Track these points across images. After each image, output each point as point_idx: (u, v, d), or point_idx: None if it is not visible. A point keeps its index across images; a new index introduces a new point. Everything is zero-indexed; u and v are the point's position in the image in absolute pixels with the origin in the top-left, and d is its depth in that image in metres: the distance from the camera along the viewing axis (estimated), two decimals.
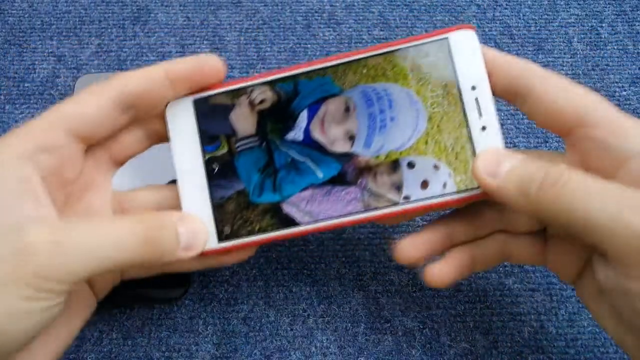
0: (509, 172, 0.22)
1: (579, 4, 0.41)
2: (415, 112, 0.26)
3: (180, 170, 0.26)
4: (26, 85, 0.39)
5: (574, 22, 0.41)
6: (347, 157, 0.26)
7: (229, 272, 0.33)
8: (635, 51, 0.39)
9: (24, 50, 0.40)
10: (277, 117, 0.27)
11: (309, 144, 0.26)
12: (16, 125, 0.38)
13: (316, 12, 0.41)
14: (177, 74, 0.25)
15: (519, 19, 0.41)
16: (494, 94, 0.25)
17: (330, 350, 0.31)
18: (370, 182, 0.26)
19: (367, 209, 0.25)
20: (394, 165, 0.25)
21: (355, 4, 0.41)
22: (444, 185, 0.25)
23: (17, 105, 0.38)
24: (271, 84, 0.27)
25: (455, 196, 0.25)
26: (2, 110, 0.38)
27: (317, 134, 0.26)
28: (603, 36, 0.40)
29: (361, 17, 0.41)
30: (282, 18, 0.41)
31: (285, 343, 0.31)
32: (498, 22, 0.41)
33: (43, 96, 0.39)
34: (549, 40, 0.40)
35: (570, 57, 0.39)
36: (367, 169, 0.26)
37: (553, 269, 0.26)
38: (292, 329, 0.32)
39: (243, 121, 0.27)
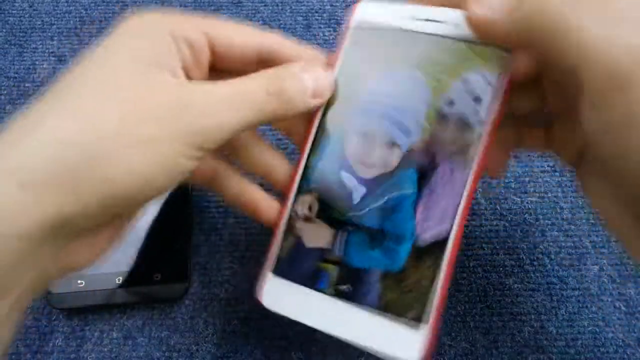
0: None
1: None
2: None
3: None
4: (27, 85, 0.39)
5: None
6: (409, 157, 0.24)
7: (229, 272, 0.33)
8: None
9: (25, 50, 0.40)
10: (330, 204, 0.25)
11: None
12: None
13: (316, 12, 0.41)
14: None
15: None
16: None
17: (330, 350, 0.31)
18: (442, 144, 0.24)
19: (470, 163, 0.23)
20: (442, 117, 0.24)
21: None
22: (489, 83, 0.23)
23: (17, 105, 0.38)
24: (300, 187, 0.25)
25: (504, 77, 0.23)
26: (3, 110, 0.38)
27: (367, 172, 0.25)
28: None
29: None
30: (283, 18, 0.41)
31: (285, 343, 0.31)
32: None
33: None
34: None
35: None
36: (427, 145, 0.24)
37: (557, 150, 0.26)
38: (292, 329, 0.32)
39: (317, 239, 0.25)
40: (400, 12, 0.25)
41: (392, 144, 0.24)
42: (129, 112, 0.20)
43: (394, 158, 0.24)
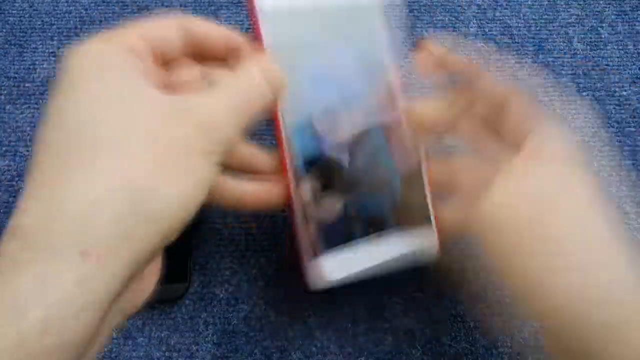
0: None
1: (579, 4, 0.41)
2: None
3: None
4: (27, 85, 0.39)
5: (574, 22, 0.41)
6: (368, 113, 0.28)
7: (229, 272, 0.33)
8: (636, 51, 0.39)
9: (25, 50, 0.40)
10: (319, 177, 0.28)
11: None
12: (17, 126, 0.38)
13: None
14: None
15: (519, 19, 0.41)
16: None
17: (330, 350, 0.31)
18: (387, 94, 0.29)
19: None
20: (375, 73, 0.29)
21: None
22: None
23: (17, 105, 0.38)
24: (296, 178, 0.27)
25: None
26: (3, 110, 0.38)
27: (342, 138, 0.28)
28: (603, 36, 0.40)
29: None
30: None
31: (285, 343, 0.31)
32: (498, 22, 0.41)
33: (43, 96, 0.39)
34: (549, 40, 0.40)
35: (571, 57, 0.39)
36: (377, 99, 0.29)
37: None
38: (292, 329, 0.32)
39: (332, 211, 0.28)
40: None
41: (351, 108, 0.28)
42: (153, 145, 0.19)
43: (358, 118, 0.28)
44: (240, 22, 0.41)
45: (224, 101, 0.22)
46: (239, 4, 0.41)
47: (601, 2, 0.41)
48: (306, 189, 0.27)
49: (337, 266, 0.27)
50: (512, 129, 0.26)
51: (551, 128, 0.25)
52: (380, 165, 0.29)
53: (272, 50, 0.26)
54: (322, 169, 0.28)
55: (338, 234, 0.28)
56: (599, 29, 0.40)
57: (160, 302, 0.32)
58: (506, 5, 0.41)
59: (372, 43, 0.29)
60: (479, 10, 0.41)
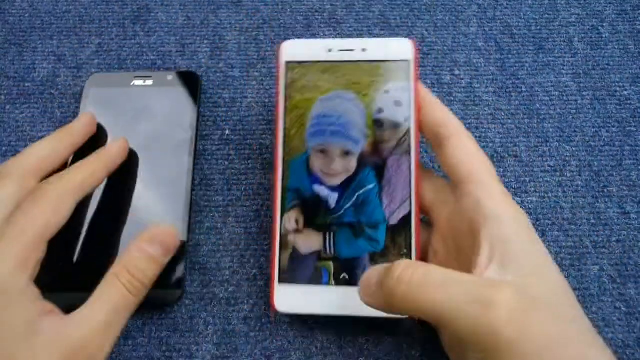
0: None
1: (579, 3, 0.41)
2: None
3: None
4: (26, 84, 0.39)
5: (574, 22, 0.41)
6: (363, 160, 0.30)
7: (229, 272, 0.33)
8: (636, 51, 0.39)
9: (24, 50, 0.40)
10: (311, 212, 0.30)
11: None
12: (16, 125, 0.38)
13: (317, 11, 0.41)
14: None
15: (520, 18, 0.41)
16: (420, 130, 0.31)
17: (330, 350, 0.31)
18: (385, 143, 0.30)
19: (409, 150, 0.30)
20: (378, 123, 0.31)
21: (356, 3, 0.41)
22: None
23: (17, 105, 0.38)
24: (283, 207, 0.30)
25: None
26: (3, 109, 0.38)
27: (334, 180, 0.30)
28: (604, 36, 0.40)
29: (362, 17, 0.41)
30: (283, 17, 0.41)
31: (285, 343, 0.31)
32: (499, 21, 0.41)
33: (43, 96, 0.39)
34: (550, 39, 0.40)
35: (571, 57, 0.39)
36: (374, 147, 0.30)
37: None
38: (292, 329, 0.32)
39: (310, 244, 0.30)
40: (319, 46, 0.32)
41: (347, 153, 0.30)
42: None
43: (352, 163, 0.30)
44: (241, 21, 0.41)
45: (93, 321, 0.25)
46: (239, 4, 0.41)
47: (602, 1, 0.41)
48: (290, 218, 0.30)
49: (291, 301, 0.29)
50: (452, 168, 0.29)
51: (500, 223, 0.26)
52: (366, 210, 0.30)
53: (286, 98, 0.31)
54: (309, 205, 0.30)
55: (307, 271, 0.29)
56: (599, 28, 0.40)
57: (155, 307, 0.32)
58: (507, 4, 0.41)
59: (380, 99, 0.31)
60: (480, 10, 0.41)
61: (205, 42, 0.40)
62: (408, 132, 0.30)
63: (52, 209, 0.27)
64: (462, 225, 0.27)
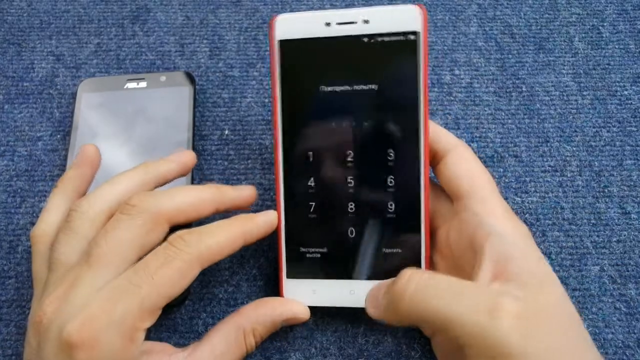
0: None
1: (580, 3, 0.41)
2: None
3: None
4: (25, 84, 0.39)
5: (575, 21, 0.41)
6: (373, 146, 0.29)
7: (229, 272, 0.33)
8: (637, 50, 0.39)
9: (23, 50, 0.40)
10: None
11: None
12: (15, 125, 0.37)
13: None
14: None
15: (520, 17, 0.41)
16: None
17: (330, 351, 0.31)
18: (395, 125, 0.29)
19: (419, 133, 0.28)
20: (385, 103, 0.28)
21: (356, 3, 0.41)
22: None
23: (15, 105, 0.38)
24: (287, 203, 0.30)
25: None
26: (1, 109, 0.38)
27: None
28: (604, 35, 0.40)
29: None
30: None
31: (285, 343, 0.31)
32: (499, 21, 0.41)
33: (42, 95, 0.39)
34: (550, 39, 0.40)
35: (572, 57, 0.39)
36: (384, 129, 0.29)
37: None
38: (292, 330, 0.31)
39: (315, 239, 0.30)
40: (315, 19, 0.28)
41: (352, 141, 0.28)
42: None
43: (362, 149, 0.28)
44: (240, 21, 0.41)
45: None
46: (238, 3, 0.41)
47: (602, 1, 0.41)
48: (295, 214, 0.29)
49: (299, 294, 0.30)
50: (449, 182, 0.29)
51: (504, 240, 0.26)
52: (375, 199, 0.29)
53: (282, 79, 0.29)
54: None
55: (316, 264, 0.29)
56: (600, 28, 0.40)
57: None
58: (507, 4, 0.41)
59: (381, 78, 0.28)
60: (480, 9, 0.41)
61: (205, 41, 0.40)
62: (417, 112, 0.28)
63: (179, 276, 0.24)
64: (462, 240, 0.27)
